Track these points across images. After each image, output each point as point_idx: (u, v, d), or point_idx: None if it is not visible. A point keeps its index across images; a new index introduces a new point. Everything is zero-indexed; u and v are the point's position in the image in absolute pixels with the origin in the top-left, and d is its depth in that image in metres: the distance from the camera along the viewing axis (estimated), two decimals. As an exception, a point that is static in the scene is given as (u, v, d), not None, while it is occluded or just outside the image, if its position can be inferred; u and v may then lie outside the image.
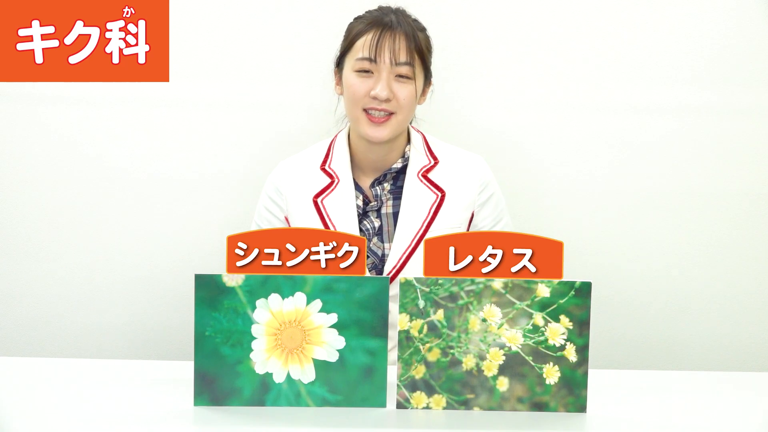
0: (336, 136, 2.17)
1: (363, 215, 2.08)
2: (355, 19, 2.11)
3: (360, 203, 2.09)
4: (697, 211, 2.50)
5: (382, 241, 2.08)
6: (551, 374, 1.66)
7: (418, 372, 1.66)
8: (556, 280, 1.65)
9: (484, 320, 1.65)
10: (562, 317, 1.65)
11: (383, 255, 2.07)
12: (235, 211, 2.46)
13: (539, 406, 1.66)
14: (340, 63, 2.10)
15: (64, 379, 1.81)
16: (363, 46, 2.03)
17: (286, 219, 2.09)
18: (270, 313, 1.64)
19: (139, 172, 2.48)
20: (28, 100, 2.43)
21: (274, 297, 1.64)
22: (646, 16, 2.45)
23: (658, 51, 2.45)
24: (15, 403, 1.66)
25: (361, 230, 2.07)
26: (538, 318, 1.65)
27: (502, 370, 1.66)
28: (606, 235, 2.50)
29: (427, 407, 1.66)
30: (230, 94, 2.46)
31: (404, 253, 2.04)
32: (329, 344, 1.65)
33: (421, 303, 1.64)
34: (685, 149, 2.49)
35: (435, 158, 2.11)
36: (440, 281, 1.64)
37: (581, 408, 1.66)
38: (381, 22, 2.03)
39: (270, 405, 1.65)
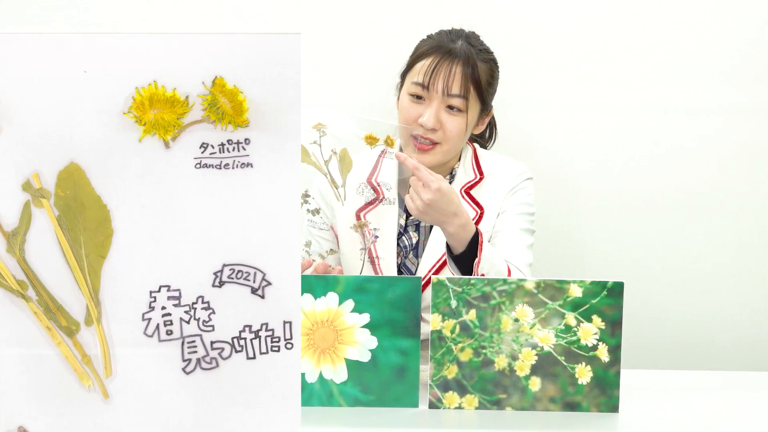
0: (386, 148, 2.13)
1: (403, 231, 2.06)
2: (427, 37, 2.07)
3: (402, 222, 2.06)
4: (730, 211, 2.48)
5: (417, 257, 2.06)
6: (583, 374, 1.66)
7: (451, 372, 1.66)
8: (588, 280, 1.64)
9: (516, 320, 1.65)
10: (595, 317, 1.64)
11: (416, 272, 2.05)
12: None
13: (571, 406, 1.66)
14: (403, 78, 2.07)
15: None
16: (420, 70, 1.99)
17: (332, 227, 2.08)
18: (302, 313, 1.65)
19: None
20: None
21: (307, 297, 1.64)
22: (683, 15, 2.43)
23: (695, 51, 2.44)
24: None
25: (398, 245, 2.05)
26: (571, 318, 1.65)
27: (535, 370, 1.66)
28: (638, 235, 2.49)
29: (460, 407, 1.66)
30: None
31: (432, 267, 2.01)
32: (361, 344, 1.65)
33: (454, 303, 1.65)
34: (718, 150, 2.47)
35: (481, 173, 2.07)
36: (472, 281, 1.65)
37: (613, 408, 1.66)
38: (444, 48, 1.99)
39: (302, 405, 1.65)
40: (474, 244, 1.86)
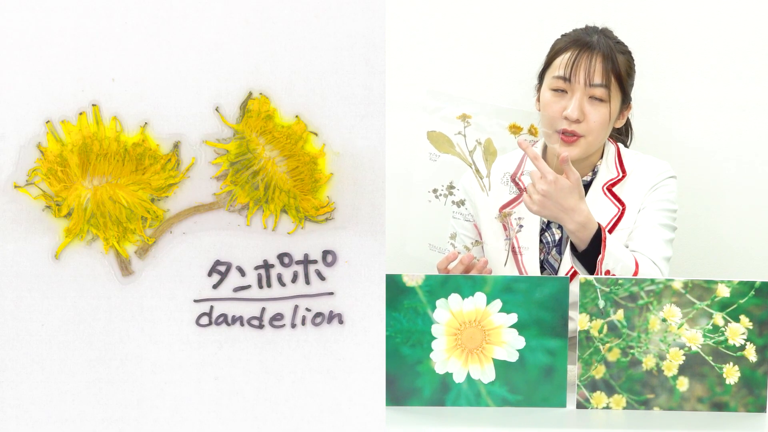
0: (532, 139, 2.14)
1: (546, 227, 2.07)
2: (562, 36, 2.10)
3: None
4: None
5: (560, 253, 2.06)
6: (731, 374, 1.65)
7: (598, 372, 1.66)
8: (736, 280, 1.65)
9: (664, 320, 1.65)
10: (742, 317, 1.64)
11: (559, 268, 2.05)
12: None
13: (719, 406, 1.66)
14: (541, 78, 2.10)
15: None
16: (560, 64, 2.03)
17: (475, 225, 2.08)
18: (450, 313, 1.65)
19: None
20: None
21: (454, 297, 1.65)
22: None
23: None
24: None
25: (541, 241, 2.06)
26: (718, 318, 1.65)
27: (682, 370, 1.65)
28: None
29: (607, 407, 1.66)
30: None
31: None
32: (509, 344, 1.65)
33: (601, 303, 1.65)
34: None
35: (624, 171, 2.08)
36: (620, 281, 1.65)
37: (761, 408, 1.66)
38: (581, 41, 2.03)
39: (450, 405, 1.66)
40: (597, 240, 1.87)
